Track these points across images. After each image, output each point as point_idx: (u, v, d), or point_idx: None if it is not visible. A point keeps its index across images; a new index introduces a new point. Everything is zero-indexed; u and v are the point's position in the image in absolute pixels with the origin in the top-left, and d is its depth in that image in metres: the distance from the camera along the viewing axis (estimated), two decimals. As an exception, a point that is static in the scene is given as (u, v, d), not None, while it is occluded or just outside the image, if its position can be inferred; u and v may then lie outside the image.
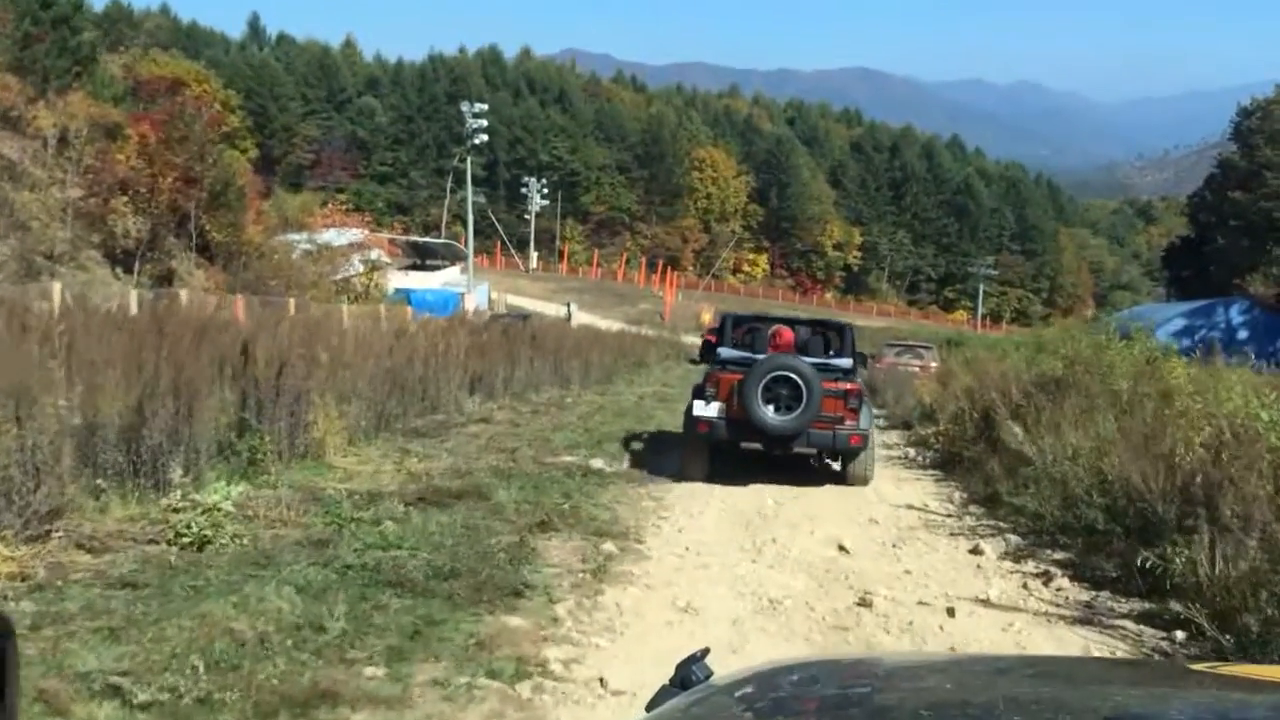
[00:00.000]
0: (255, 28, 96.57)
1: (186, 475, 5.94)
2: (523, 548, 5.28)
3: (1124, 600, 5.06)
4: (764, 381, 8.18)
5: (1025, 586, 5.30)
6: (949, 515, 7.43)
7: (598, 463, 8.73)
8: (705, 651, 1.28)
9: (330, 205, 34.34)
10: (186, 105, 24.03)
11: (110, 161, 22.52)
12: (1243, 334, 33.45)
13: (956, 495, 8.19)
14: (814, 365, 8.44)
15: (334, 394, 8.93)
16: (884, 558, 5.92)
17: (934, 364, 19.71)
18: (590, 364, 19.45)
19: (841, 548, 6.00)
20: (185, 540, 5.00)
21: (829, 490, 8.36)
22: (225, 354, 7.59)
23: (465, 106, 43.12)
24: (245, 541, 5.16)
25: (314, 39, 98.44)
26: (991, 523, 6.96)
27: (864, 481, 8.73)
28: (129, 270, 22.53)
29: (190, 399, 6.31)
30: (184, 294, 20.27)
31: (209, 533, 5.07)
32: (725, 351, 9.00)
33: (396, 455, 8.46)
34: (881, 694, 1.13)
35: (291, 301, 22.13)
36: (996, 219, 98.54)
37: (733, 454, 8.71)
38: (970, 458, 8.74)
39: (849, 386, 8.48)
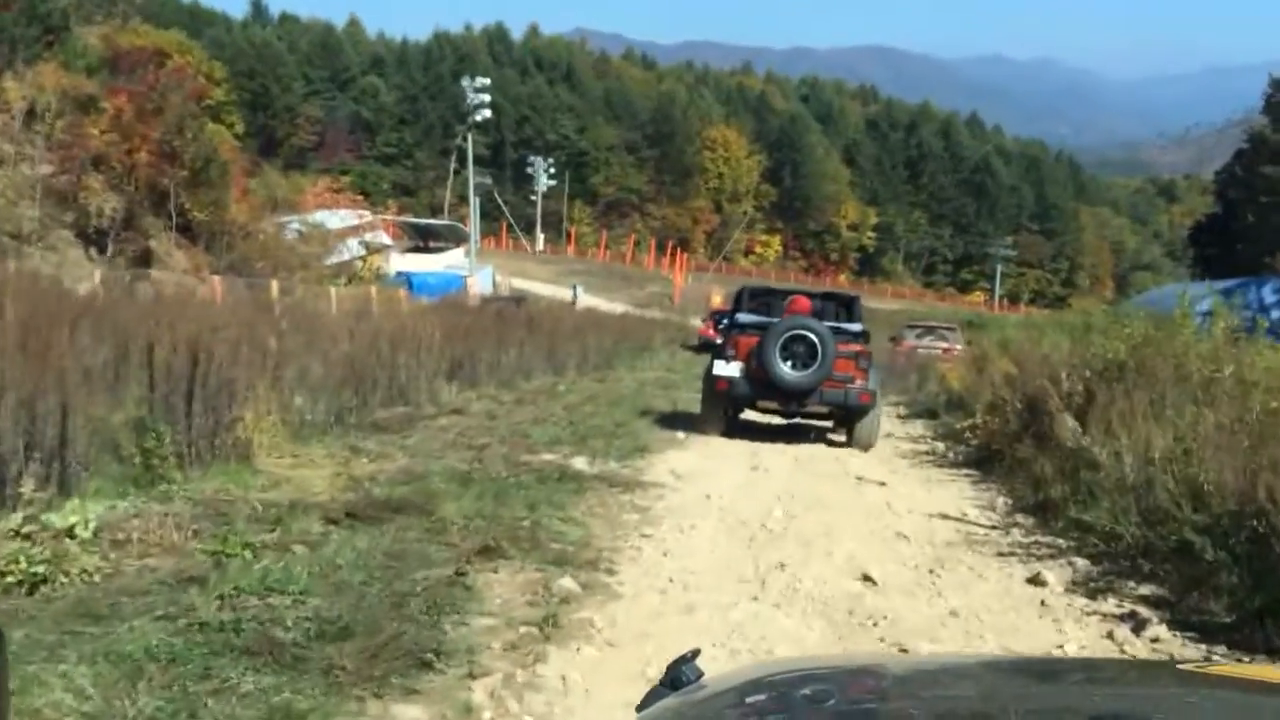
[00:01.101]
0: (258, 7, 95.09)
1: (46, 488, 4.76)
2: (454, 587, 4.07)
3: (1246, 657, 3.82)
4: (782, 339, 8.84)
5: (1110, 636, 4.06)
6: (994, 527, 6.19)
7: (579, 462, 7.53)
8: (696, 652, 1.23)
9: (320, 184, 33.06)
10: (162, 77, 22.75)
11: (84, 136, 21.35)
12: (1276, 314, 31.97)
13: (1000, 501, 6.94)
14: (828, 327, 9.10)
15: (277, 385, 7.77)
16: (921, 590, 4.69)
17: (958, 346, 18.38)
18: (589, 348, 18.22)
19: (867, 578, 4.77)
20: (10, 580, 3.82)
21: (849, 495, 7.13)
22: (129, 340, 6.42)
23: (466, 82, 41.78)
24: (97, 580, 3.97)
25: (317, 18, 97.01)
26: (1048, 540, 5.71)
27: (869, 445, 9.23)
28: (104, 251, 21.43)
29: (62, 394, 5.13)
30: (154, 274, 19.16)
31: (43, 569, 3.89)
32: (743, 316, 9.70)
33: (345, 455, 7.27)
34: (875, 706, 1.13)
35: (275, 283, 21.02)
36: (1015, 198, 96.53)
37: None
38: (1014, 456, 7.49)
39: (859, 348, 9.19)
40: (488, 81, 42.52)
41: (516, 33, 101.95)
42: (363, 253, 36.96)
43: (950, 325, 20.87)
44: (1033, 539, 5.79)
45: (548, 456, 7.74)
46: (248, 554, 4.32)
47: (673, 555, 5.04)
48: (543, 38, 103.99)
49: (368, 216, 34.55)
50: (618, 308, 39.67)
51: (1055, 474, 6.56)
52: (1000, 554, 5.49)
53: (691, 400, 11.87)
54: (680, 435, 9.24)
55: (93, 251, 21.78)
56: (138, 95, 21.66)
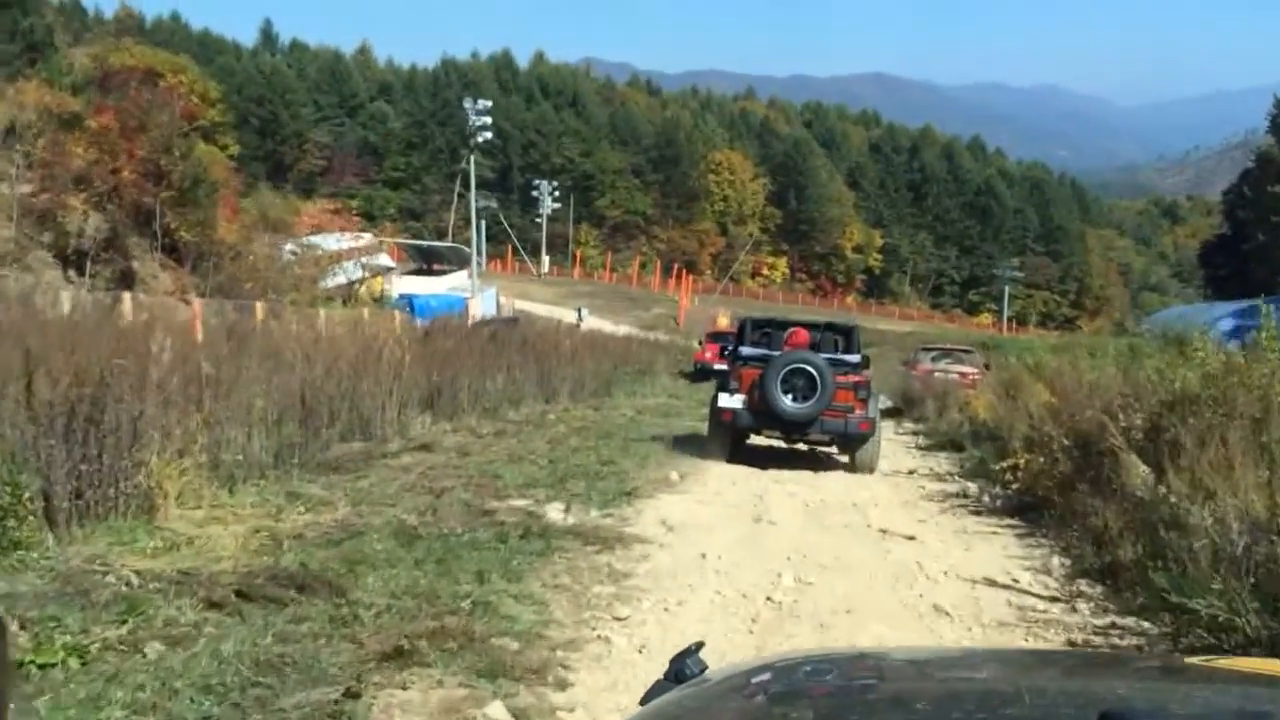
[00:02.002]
0: (268, 35, 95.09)
1: None
2: None
3: None
4: (782, 373, 9.15)
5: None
6: (1054, 599, 5.04)
7: (553, 511, 6.41)
8: (700, 645, 1.24)
9: (316, 204, 32.14)
10: (147, 94, 21.89)
11: (65, 154, 20.50)
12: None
13: (1055, 562, 5.77)
14: (826, 360, 9.43)
15: (210, 420, 6.70)
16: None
17: (975, 371, 17.22)
18: (585, 373, 17.11)
19: (906, 684, 3.62)
20: None
21: (871, 553, 5.98)
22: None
23: (468, 103, 41.02)
24: None
25: (326, 45, 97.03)
26: (1129, 622, 4.54)
27: (870, 469, 9.52)
28: (82, 272, 20.49)
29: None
30: (127, 295, 18.18)
31: None
32: (746, 350, 9.99)
33: (279, 503, 6.17)
34: (879, 688, 1.13)
35: (259, 306, 20.03)
36: (1020, 220, 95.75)
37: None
38: (1066, 504, 6.34)
39: (858, 379, 9.51)
40: (489, 104, 41.82)
41: (523, 60, 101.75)
42: (363, 275, 36.29)
43: (968, 347, 19.61)
44: (1107, 619, 4.63)
45: (518, 503, 6.63)
46: (72, 662, 3.21)
47: (650, 650, 3.90)
48: (549, 64, 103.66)
49: (364, 238, 33.54)
50: (622, 330, 38.59)
51: (1122, 530, 5.43)
52: (1070, 641, 4.34)
53: (692, 430, 11.06)
54: (675, 475, 8.11)
55: (71, 273, 20.86)
56: (121, 111, 20.82)
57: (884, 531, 6.52)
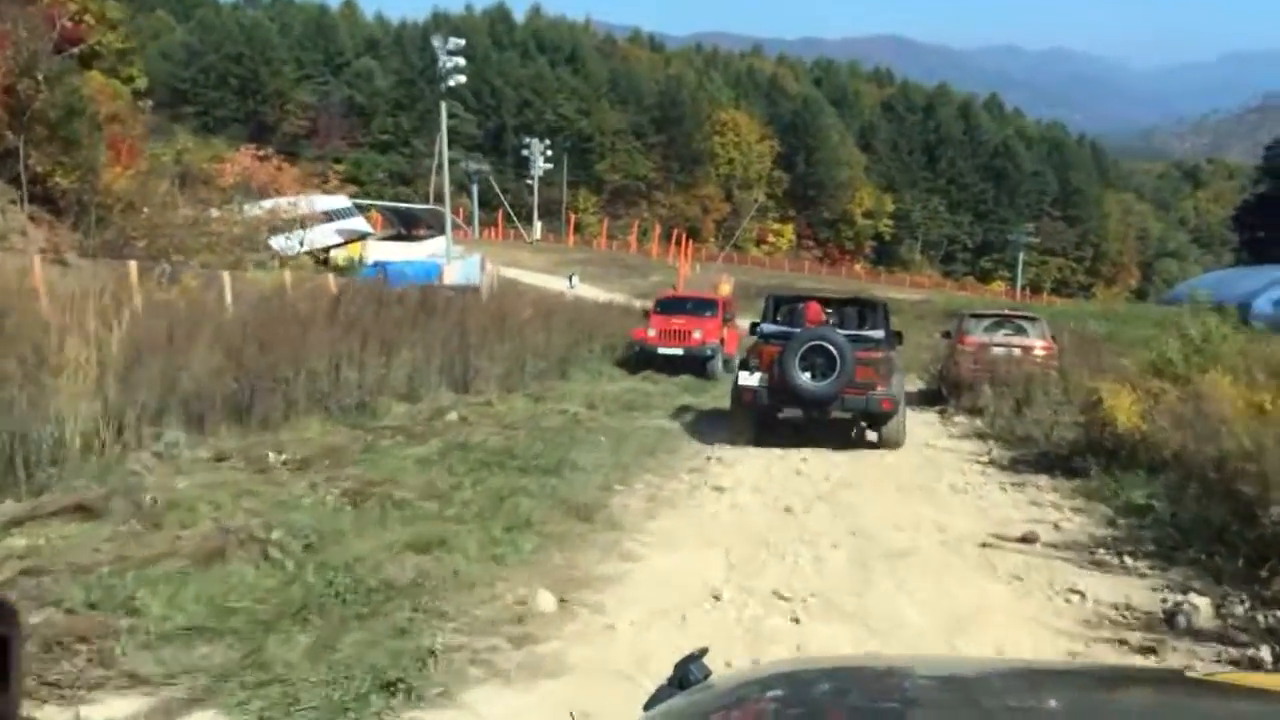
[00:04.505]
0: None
1: None
2: None
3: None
4: (801, 351, 9.12)
5: None
6: None
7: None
8: (703, 651, 1.24)
9: (242, 149, 27.82)
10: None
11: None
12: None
13: None
14: (847, 336, 9.45)
15: None
16: None
17: (1044, 344, 13.11)
18: (528, 349, 13.05)
19: None
20: None
21: None
22: None
23: (437, 42, 36.26)
24: None
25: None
26: None
27: (896, 445, 9.46)
28: (-91, 225, 16.45)
29: None
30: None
31: None
32: (766, 327, 10.03)
33: None
34: (880, 697, 1.14)
35: (134, 265, 16.06)
36: (1037, 183, 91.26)
37: None
38: None
39: (880, 355, 9.48)
40: (462, 42, 37.09)
41: (519, 15, 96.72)
42: (340, 240, 32.81)
43: (1030, 314, 15.32)
44: None
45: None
46: None
47: None
48: (545, 18, 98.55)
49: (305, 200, 29.15)
50: (616, 298, 34.60)
51: None
52: None
53: (657, 439, 8.77)
54: (546, 603, 3.56)
55: (-102, 226, 16.84)
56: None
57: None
